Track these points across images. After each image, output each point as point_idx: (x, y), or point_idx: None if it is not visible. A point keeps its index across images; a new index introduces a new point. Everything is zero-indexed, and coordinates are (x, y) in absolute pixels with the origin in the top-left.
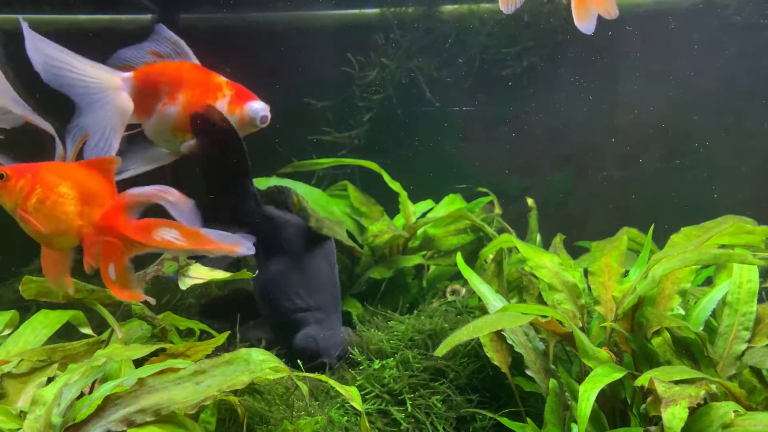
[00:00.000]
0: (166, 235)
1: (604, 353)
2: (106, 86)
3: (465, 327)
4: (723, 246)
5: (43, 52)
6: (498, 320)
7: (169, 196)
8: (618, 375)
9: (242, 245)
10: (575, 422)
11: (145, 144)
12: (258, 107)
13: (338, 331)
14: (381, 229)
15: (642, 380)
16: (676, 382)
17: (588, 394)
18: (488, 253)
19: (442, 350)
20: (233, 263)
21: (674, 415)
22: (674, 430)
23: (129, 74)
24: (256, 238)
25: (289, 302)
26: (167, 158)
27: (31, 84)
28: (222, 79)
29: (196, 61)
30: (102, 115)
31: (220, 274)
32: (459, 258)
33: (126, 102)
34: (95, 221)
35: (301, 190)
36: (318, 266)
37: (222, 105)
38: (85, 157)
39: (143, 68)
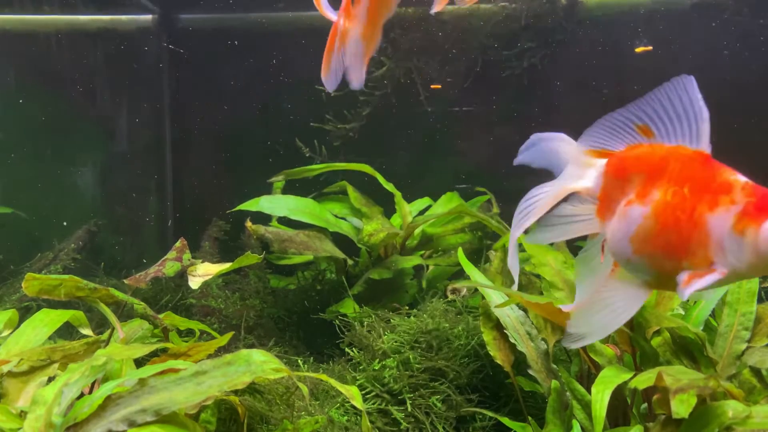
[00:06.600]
0: None
1: (609, 350)
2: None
3: None
4: None
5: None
6: None
7: None
8: (627, 376)
9: None
10: (576, 420)
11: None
12: None
13: None
14: (375, 228)
15: (636, 382)
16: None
17: (601, 395)
18: (498, 247)
19: None
20: None
21: (682, 401)
22: (682, 415)
23: (602, 163)
24: None
25: None
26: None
27: None
28: (737, 179)
29: (706, 147)
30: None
31: (225, 265)
32: (460, 253)
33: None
34: None
35: (293, 203)
36: None
37: (724, 217)
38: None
39: (621, 153)
